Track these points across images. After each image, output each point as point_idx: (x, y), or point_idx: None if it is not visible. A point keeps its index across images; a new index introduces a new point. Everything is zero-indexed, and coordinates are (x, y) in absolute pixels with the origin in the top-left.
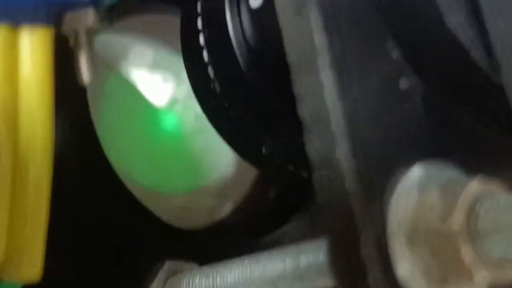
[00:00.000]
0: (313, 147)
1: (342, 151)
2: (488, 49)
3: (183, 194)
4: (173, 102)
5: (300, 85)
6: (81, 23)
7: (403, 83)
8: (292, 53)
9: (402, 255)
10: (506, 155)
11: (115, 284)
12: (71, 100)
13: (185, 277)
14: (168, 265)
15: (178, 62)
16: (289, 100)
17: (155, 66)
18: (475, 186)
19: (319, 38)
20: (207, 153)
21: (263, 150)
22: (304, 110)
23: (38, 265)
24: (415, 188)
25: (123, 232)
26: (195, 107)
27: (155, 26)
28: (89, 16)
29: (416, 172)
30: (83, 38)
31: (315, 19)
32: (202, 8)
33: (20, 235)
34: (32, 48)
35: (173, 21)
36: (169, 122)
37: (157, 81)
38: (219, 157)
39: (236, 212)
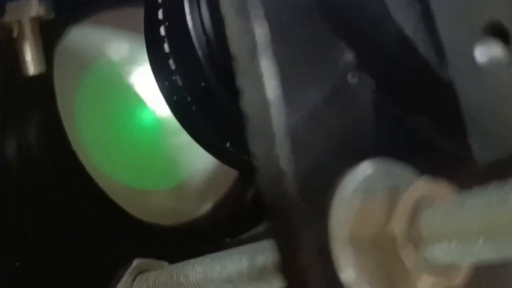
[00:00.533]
0: (254, 142)
1: (282, 149)
2: (437, 45)
3: (161, 191)
4: (150, 98)
5: (242, 80)
6: (24, 13)
7: (352, 81)
8: (235, 48)
9: (346, 261)
10: (453, 156)
11: (85, 283)
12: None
13: (152, 276)
14: (137, 263)
15: None
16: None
17: (130, 61)
18: (419, 187)
19: (260, 32)
20: (186, 151)
21: (227, 145)
22: (246, 106)
23: None
24: (359, 190)
25: (93, 229)
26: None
27: (127, 20)
28: (33, 6)
29: (360, 174)
30: (27, 28)
31: (255, 12)
32: (163, 0)
33: None
34: None
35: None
36: (146, 118)
37: (133, 77)
38: (199, 156)
39: (214, 211)
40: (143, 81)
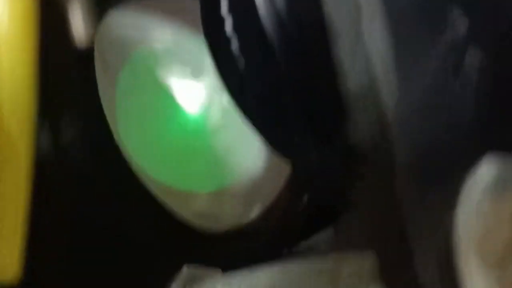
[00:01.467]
0: (358, 127)
1: (394, 134)
2: None
3: (207, 193)
4: (196, 95)
5: (344, 53)
6: None
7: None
8: (335, 14)
9: (473, 279)
10: None
11: None
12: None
13: (205, 285)
14: (187, 271)
15: (201, 51)
16: (324, 79)
17: (175, 53)
18: None
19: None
20: (234, 151)
21: (294, 138)
22: (348, 83)
23: (15, 266)
24: (488, 190)
25: (140, 234)
26: (221, 100)
27: (172, 7)
28: None
29: (488, 170)
30: None
31: None
32: None
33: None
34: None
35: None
36: (192, 116)
37: (178, 72)
38: (247, 156)
39: (264, 216)
40: (189, 76)
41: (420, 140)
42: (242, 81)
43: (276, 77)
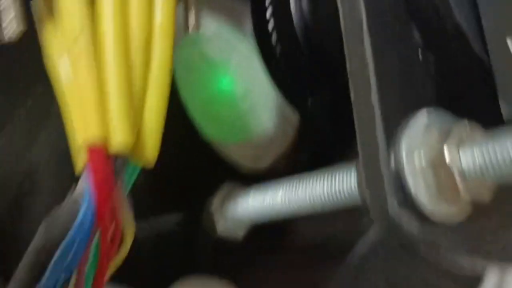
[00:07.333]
0: (353, 93)
1: (374, 97)
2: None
3: (234, 144)
4: (229, 67)
5: (348, 49)
6: None
7: (420, 54)
8: (345, 24)
9: (413, 178)
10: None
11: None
12: None
13: (241, 193)
14: (227, 184)
15: (236, 34)
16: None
17: (218, 36)
18: (463, 127)
19: (364, 20)
20: (253, 113)
21: (308, 102)
22: (350, 66)
23: (156, 153)
24: (422, 127)
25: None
26: (248, 73)
27: (223, 5)
28: None
29: (421, 117)
30: None
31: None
32: None
33: (147, 123)
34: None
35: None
36: (225, 83)
37: (219, 50)
38: (265, 116)
39: (275, 163)
40: (226, 53)
41: (391, 97)
42: (277, 61)
43: (300, 60)
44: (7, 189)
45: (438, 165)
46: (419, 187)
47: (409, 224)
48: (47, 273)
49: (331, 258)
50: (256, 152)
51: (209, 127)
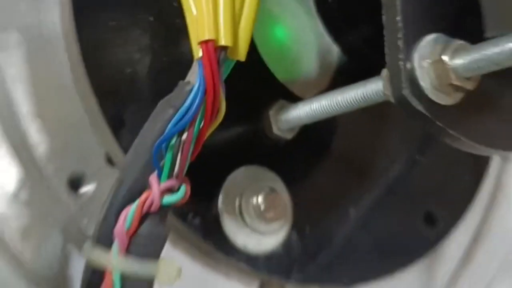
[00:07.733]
0: (385, 18)
1: (400, 16)
2: None
3: (283, 79)
4: (282, 19)
5: None
6: None
7: None
8: None
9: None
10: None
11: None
12: None
13: (293, 104)
14: (279, 102)
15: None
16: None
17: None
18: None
19: None
20: (298, 59)
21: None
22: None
23: (245, 51)
24: (430, 43)
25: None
26: (297, 24)
27: None
28: None
29: (430, 38)
30: None
31: None
32: None
33: (242, 28)
34: None
35: None
36: (278, 31)
37: (276, 8)
38: (305, 63)
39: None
40: (280, 11)
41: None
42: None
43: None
44: None
45: (439, 67)
46: (425, 81)
47: (418, 105)
48: (167, 129)
49: None
50: (301, 88)
51: (270, 66)
